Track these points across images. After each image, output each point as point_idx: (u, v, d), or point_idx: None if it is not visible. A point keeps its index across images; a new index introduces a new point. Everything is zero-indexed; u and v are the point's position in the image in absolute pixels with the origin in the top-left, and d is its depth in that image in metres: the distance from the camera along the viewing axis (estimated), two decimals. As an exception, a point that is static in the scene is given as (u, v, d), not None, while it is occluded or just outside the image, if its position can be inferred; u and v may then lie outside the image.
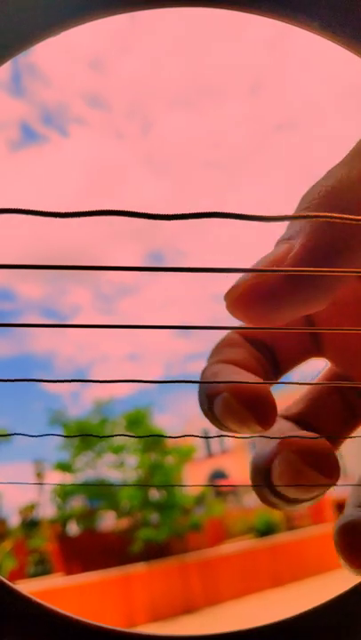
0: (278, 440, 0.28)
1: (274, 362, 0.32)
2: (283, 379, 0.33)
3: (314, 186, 0.26)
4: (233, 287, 0.25)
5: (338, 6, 0.21)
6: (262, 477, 0.28)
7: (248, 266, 0.25)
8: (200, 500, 10.80)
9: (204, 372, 0.29)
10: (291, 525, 11.47)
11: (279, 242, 0.26)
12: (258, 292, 0.25)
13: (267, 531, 10.76)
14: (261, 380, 0.28)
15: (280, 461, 0.27)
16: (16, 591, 0.23)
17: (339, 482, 0.27)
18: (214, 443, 19.48)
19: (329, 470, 0.26)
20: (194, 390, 0.29)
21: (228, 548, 10.24)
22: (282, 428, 0.30)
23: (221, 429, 0.28)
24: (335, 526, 0.27)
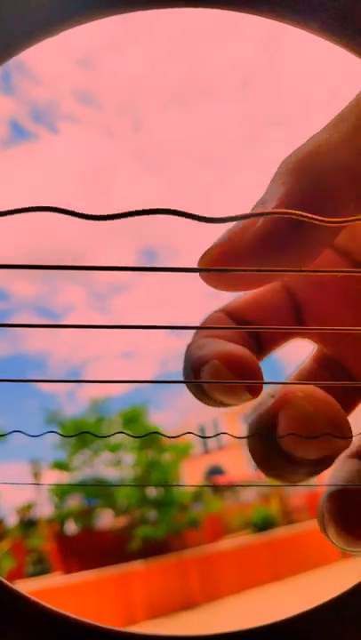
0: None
1: (258, 341, 0.32)
2: (267, 359, 0.32)
3: (295, 150, 0.25)
4: (206, 251, 0.25)
5: (338, 7, 0.21)
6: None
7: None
8: (198, 497, 10.82)
9: (188, 346, 0.29)
10: (289, 520, 11.51)
11: (255, 206, 0.25)
12: (231, 254, 0.24)
13: (265, 526, 10.80)
14: (248, 350, 0.27)
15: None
16: (15, 591, 0.23)
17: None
18: (211, 439, 19.51)
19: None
20: (184, 364, 0.29)
21: (227, 543, 10.27)
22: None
23: (206, 402, 0.27)
24: (325, 494, 0.26)
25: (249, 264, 0.24)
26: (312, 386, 0.26)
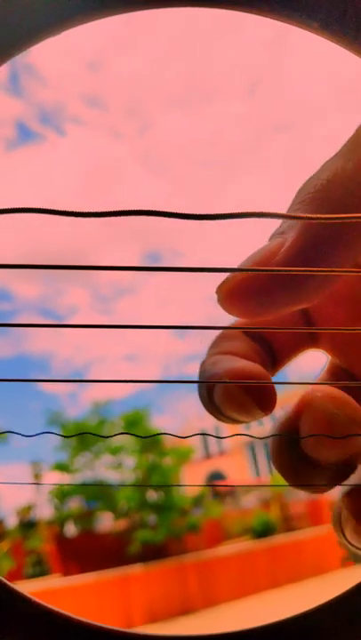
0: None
1: (271, 353, 0.32)
2: (281, 371, 0.33)
3: (309, 179, 0.25)
4: (224, 282, 0.25)
5: (338, 6, 0.21)
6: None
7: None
8: (198, 502, 10.80)
9: (202, 364, 0.29)
10: (289, 526, 11.47)
11: (272, 236, 0.26)
12: (248, 286, 0.25)
13: (264, 532, 10.76)
14: (260, 367, 0.28)
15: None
16: (15, 591, 0.23)
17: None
18: (212, 444, 19.48)
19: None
20: (192, 391, 0.29)
21: (226, 549, 10.24)
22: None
23: (221, 419, 0.28)
24: (341, 494, 0.26)
25: (268, 295, 0.24)
26: (330, 386, 0.27)
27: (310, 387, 0.28)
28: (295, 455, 0.26)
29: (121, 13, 0.22)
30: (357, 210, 0.23)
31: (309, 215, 0.22)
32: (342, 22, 0.21)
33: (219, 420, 0.28)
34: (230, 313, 0.26)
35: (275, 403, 0.26)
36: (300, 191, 0.25)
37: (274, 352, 0.32)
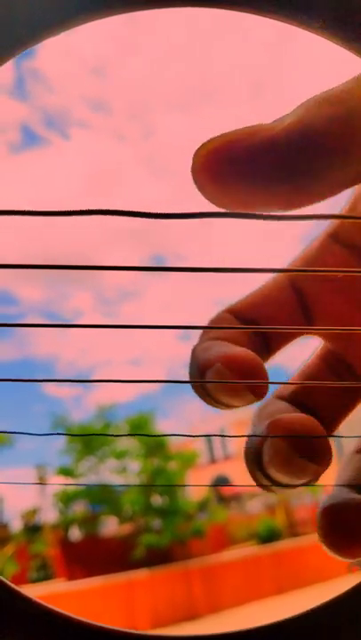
0: (268, 423, 0.27)
1: (264, 340, 0.31)
2: (274, 357, 0.32)
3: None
4: (206, 142, 0.21)
5: (338, 6, 0.21)
6: (254, 461, 0.27)
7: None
8: (203, 506, 10.78)
9: (194, 349, 0.29)
10: (294, 532, 11.42)
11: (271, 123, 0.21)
12: (233, 152, 0.20)
13: (269, 537, 10.72)
14: (253, 353, 0.27)
15: (268, 447, 0.26)
16: (15, 591, 0.23)
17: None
18: (217, 448, 19.45)
19: (319, 457, 0.25)
20: (197, 396, 0.29)
21: (231, 554, 10.21)
22: (276, 408, 0.30)
23: (213, 405, 0.27)
24: (319, 507, 0.26)
25: (258, 174, 0.20)
26: (298, 416, 0.27)
27: (279, 412, 0.29)
28: (259, 470, 0.27)
29: (122, 13, 0.22)
30: None
31: (310, 214, 0.22)
32: (343, 22, 0.21)
33: (211, 406, 0.27)
34: (203, 189, 0.21)
35: (267, 388, 0.26)
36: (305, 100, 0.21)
37: (267, 338, 0.31)
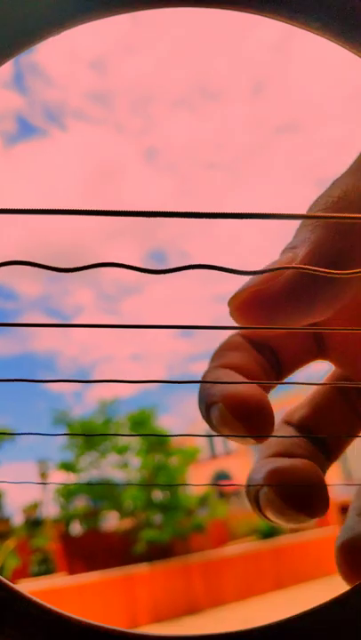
0: (266, 469, 0.28)
1: (277, 364, 0.32)
2: (286, 379, 0.32)
3: (320, 196, 0.26)
4: (236, 294, 0.26)
5: (338, 7, 0.21)
6: (253, 502, 0.29)
7: (251, 268, 0.25)
8: (203, 502, 10.79)
9: (205, 376, 0.29)
10: (294, 528, 11.44)
11: (284, 251, 0.26)
12: (260, 299, 0.25)
13: (270, 533, 10.74)
14: (259, 391, 0.27)
15: (262, 495, 0.27)
16: (16, 591, 0.23)
17: (343, 485, 0.27)
18: (218, 444, 19.46)
19: (312, 508, 0.26)
20: (197, 391, 0.29)
21: (232, 549, 10.23)
22: (279, 442, 0.30)
23: (222, 436, 0.27)
24: (337, 541, 0.26)
25: (278, 310, 0.25)
26: (298, 463, 0.27)
27: (282, 446, 0.30)
28: (256, 507, 0.28)
29: (125, 13, 0.22)
30: None
31: (309, 214, 0.22)
32: (343, 22, 0.21)
33: (220, 435, 0.28)
34: (242, 325, 0.26)
35: (271, 431, 0.26)
36: (310, 209, 0.26)
37: (279, 363, 0.32)
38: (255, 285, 0.26)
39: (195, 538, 10.25)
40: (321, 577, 9.16)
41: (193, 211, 0.19)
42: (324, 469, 0.31)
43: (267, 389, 0.30)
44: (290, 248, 0.26)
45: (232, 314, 0.26)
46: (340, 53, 0.22)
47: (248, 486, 0.29)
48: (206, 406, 0.27)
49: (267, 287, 0.25)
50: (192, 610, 8.59)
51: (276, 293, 0.25)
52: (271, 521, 0.28)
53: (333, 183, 0.26)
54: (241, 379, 0.28)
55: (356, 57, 0.22)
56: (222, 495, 13.42)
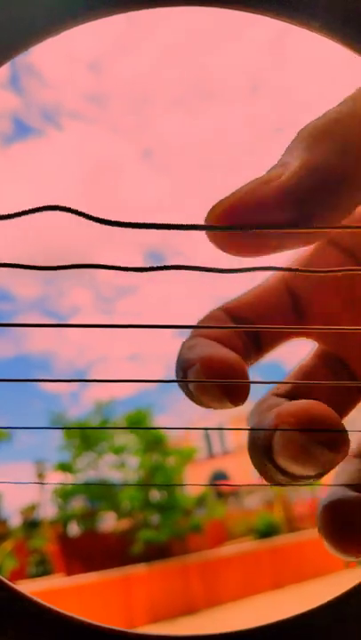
0: (276, 412, 0.24)
1: (256, 339, 0.31)
2: (265, 357, 0.32)
3: (311, 121, 0.23)
4: (217, 203, 0.23)
5: (338, 6, 0.21)
6: (263, 455, 0.25)
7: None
8: (201, 502, 10.79)
9: (182, 345, 0.28)
10: (292, 527, 11.45)
11: (273, 167, 0.23)
12: (246, 208, 0.22)
13: (268, 532, 10.75)
14: (236, 355, 0.26)
15: (279, 436, 0.24)
16: (15, 590, 0.23)
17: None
18: (215, 443, 19.48)
19: (336, 443, 0.23)
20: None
21: (229, 549, 10.24)
22: (275, 403, 0.28)
23: (198, 404, 0.27)
24: (320, 506, 0.26)
25: (266, 222, 0.22)
26: (307, 402, 0.24)
27: (287, 383, 0.28)
28: (268, 462, 0.25)
29: (120, 13, 0.22)
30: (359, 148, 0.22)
31: (329, 226, 0.22)
32: (343, 22, 0.21)
33: (195, 403, 0.27)
34: (219, 243, 0.23)
35: (247, 395, 0.25)
36: (303, 128, 0.23)
37: (259, 338, 0.31)
38: (239, 191, 0.23)
39: (192, 538, 10.26)
40: (319, 576, 9.17)
41: (192, 212, 0.19)
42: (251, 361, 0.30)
43: (247, 362, 0.29)
44: (281, 164, 0.23)
45: (211, 236, 0.23)
46: (339, 52, 0.22)
47: (253, 437, 0.26)
48: (183, 370, 0.26)
49: (253, 192, 0.22)
50: (190, 610, 8.59)
51: (267, 198, 0.22)
52: (284, 473, 0.25)
53: (325, 113, 0.23)
54: (216, 345, 0.27)
55: (357, 56, 0.22)
56: (220, 495, 13.43)
